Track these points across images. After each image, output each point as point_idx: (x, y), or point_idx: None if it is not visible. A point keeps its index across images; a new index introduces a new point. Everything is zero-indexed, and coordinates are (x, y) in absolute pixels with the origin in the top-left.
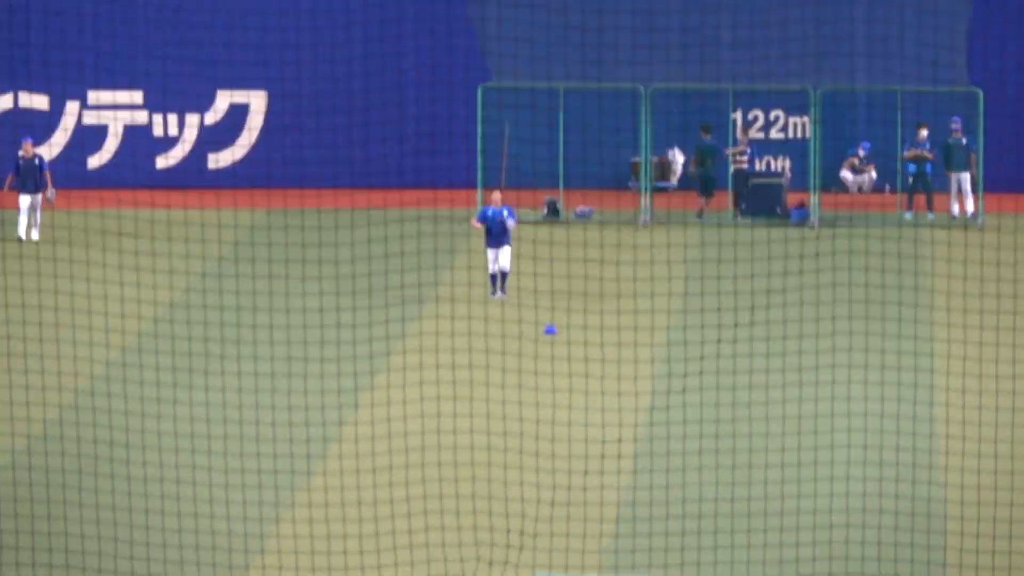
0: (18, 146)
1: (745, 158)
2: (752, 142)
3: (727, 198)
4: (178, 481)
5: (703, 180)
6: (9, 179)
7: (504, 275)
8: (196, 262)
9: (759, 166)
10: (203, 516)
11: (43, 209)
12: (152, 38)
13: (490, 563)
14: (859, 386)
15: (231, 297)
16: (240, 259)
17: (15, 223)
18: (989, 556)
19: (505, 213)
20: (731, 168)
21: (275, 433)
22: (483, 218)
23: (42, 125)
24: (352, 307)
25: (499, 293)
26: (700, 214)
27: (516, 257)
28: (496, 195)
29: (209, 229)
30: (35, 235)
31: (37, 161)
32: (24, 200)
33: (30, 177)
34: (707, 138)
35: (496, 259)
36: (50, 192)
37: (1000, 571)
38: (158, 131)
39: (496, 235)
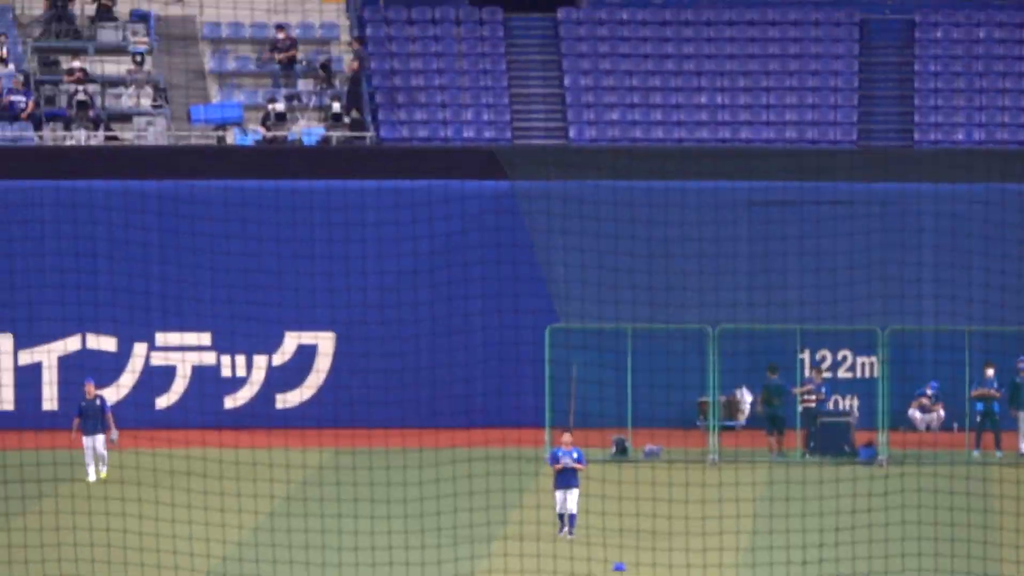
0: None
1: (813, 397)
2: (826, 381)
3: (796, 437)
4: None
5: (771, 419)
6: (75, 423)
7: (572, 518)
8: (264, 501)
9: (829, 404)
10: None
11: (108, 449)
12: (219, 281)
13: None
14: None
15: (299, 536)
16: (308, 499)
17: (84, 464)
18: None
19: (575, 455)
20: (799, 407)
21: None
22: (553, 460)
23: (110, 367)
24: (421, 545)
25: (567, 532)
26: (772, 452)
27: (584, 495)
28: (567, 437)
29: (277, 469)
30: (103, 471)
31: (99, 402)
32: (87, 441)
33: (92, 419)
34: (774, 378)
35: (564, 500)
36: (113, 433)
37: None
38: (226, 372)
39: (565, 477)
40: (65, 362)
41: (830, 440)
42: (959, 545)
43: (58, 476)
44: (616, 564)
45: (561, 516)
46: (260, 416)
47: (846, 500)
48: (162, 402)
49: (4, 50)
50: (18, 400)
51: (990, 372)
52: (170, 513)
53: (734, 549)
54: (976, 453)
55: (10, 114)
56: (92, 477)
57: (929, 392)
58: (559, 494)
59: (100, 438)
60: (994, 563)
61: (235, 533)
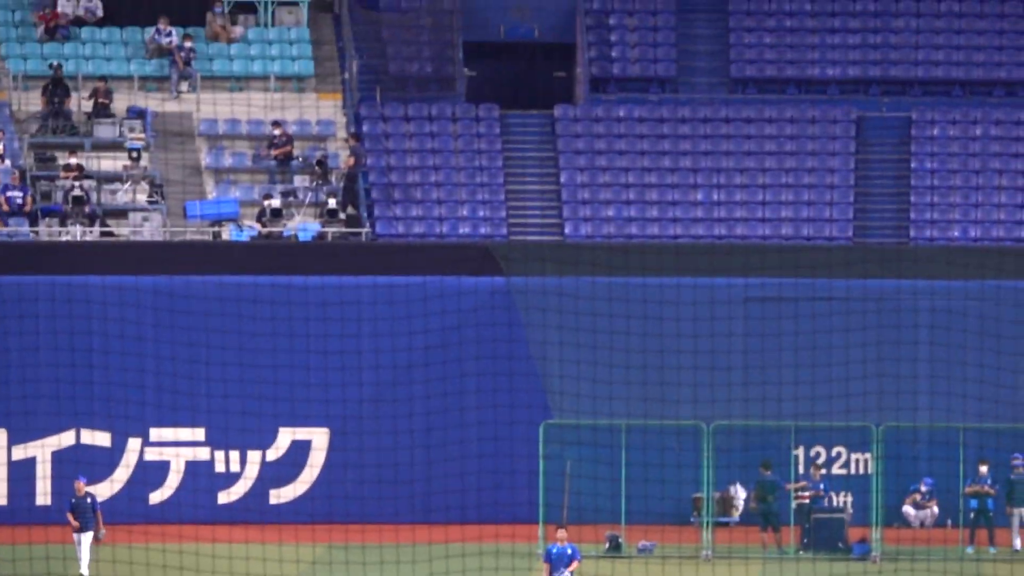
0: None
1: (808, 493)
2: (824, 478)
3: (791, 533)
4: None
5: (765, 515)
6: (71, 518)
7: None
8: None
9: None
10: None
11: (93, 545)
12: (214, 376)
13: None
14: None
15: None
16: None
17: (77, 559)
18: None
19: (569, 551)
20: (793, 503)
21: None
22: (548, 558)
23: (104, 462)
24: None
25: None
26: (765, 548)
27: None
28: (561, 533)
29: (271, 564)
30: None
31: (89, 500)
32: (77, 538)
33: (83, 515)
34: (768, 474)
35: None
36: (101, 532)
37: None
38: (220, 467)
39: (559, 573)
40: (59, 457)
41: (824, 536)
42: None
43: (51, 571)
44: None
45: None
46: (254, 511)
47: None
48: (155, 497)
49: (1, 146)
50: (11, 495)
51: (984, 469)
52: None
53: None
54: (970, 550)
55: (7, 210)
56: (85, 572)
57: (923, 489)
58: None
59: (89, 535)
60: None
61: None
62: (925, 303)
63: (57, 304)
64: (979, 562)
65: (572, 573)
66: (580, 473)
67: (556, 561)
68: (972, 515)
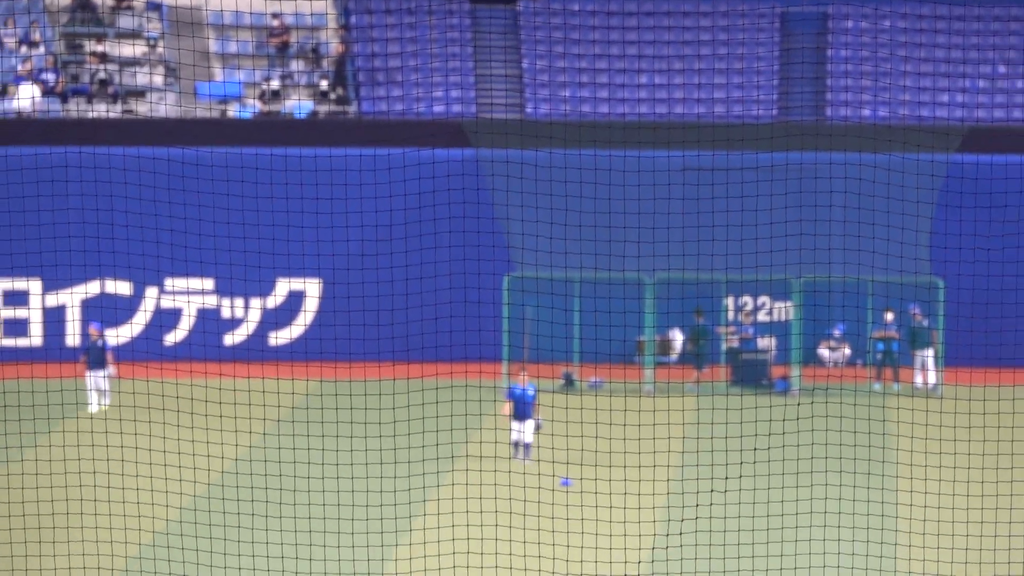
0: (102, 327)
1: (736, 337)
2: (751, 323)
3: (721, 372)
4: None
5: (698, 356)
6: (83, 359)
7: (527, 446)
8: (258, 424)
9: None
10: None
11: (108, 380)
12: (221, 233)
13: None
14: (833, 530)
15: (288, 454)
16: (296, 422)
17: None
18: None
19: (531, 391)
20: (724, 346)
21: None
22: (510, 395)
23: (125, 308)
24: (394, 462)
25: (522, 458)
26: (697, 384)
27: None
28: (523, 375)
29: (269, 396)
30: (106, 404)
31: (101, 343)
32: (89, 377)
33: (96, 357)
34: (700, 320)
35: (521, 430)
36: (111, 369)
37: None
38: (226, 313)
39: (521, 410)
40: (86, 303)
41: (750, 374)
42: (860, 463)
43: (78, 401)
44: (563, 479)
45: (516, 444)
46: (255, 351)
47: (763, 425)
48: (170, 339)
49: (37, 34)
50: (45, 336)
51: (889, 316)
52: (176, 432)
53: (665, 467)
54: (877, 386)
55: (43, 90)
56: (94, 407)
57: (836, 333)
58: (515, 423)
59: (101, 373)
60: (891, 479)
61: (233, 451)
62: (839, 173)
63: (84, 171)
64: (885, 396)
65: (536, 424)
66: (539, 319)
67: (518, 399)
68: (879, 356)
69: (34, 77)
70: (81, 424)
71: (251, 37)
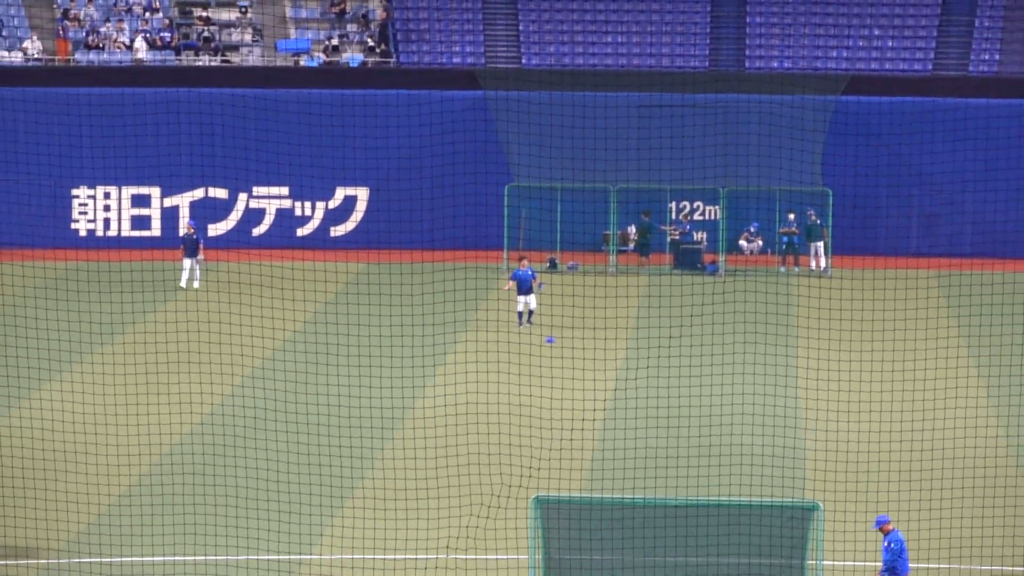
0: (196, 223)
1: (678, 232)
2: (691, 221)
3: (666, 258)
4: (306, 431)
5: (643, 246)
6: (181, 248)
7: (531, 312)
8: (321, 295)
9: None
10: (313, 447)
11: (198, 264)
12: (294, 153)
13: (510, 487)
14: (749, 376)
15: (343, 318)
16: (350, 294)
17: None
18: (832, 482)
19: (530, 272)
20: (668, 239)
21: (364, 409)
22: (515, 277)
23: (222, 208)
24: (423, 324)
25: (526, 324)
26: (643, 267)
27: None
28: (524, 262)
29: (330, 275)
30: (196, 285)
31: (195, 236)
32: (185, 262)
33: (190, 246)
34: (646, 219)
35: (527, 302)
36: (200, 256)
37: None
38: (298, 212)
39: (525, 288)
40: (193, 204)
41: (688, 260)
42: (770, 327)
43: (177, 280)
44: (548, 338)
45: (520, 314)
46: (319, 241)
47: (698, 297)
48: (256, 231)
49: (156, 3)
50: (162, 230)
51: (791, 216)
52: (259, 302)
53: (625, 328)
54: (782, 269)
55: (161, 45)
56: (184, 284)
57: (752, 229)
58: (520, 298)
59: (193, 260)
60: (792, 338)
61: (302, 315)
62: (755, 109)
63: (192, 106)
64: (788, 276)
65: (538, 286)
66: (531, 217)
67: (520, 279)
68: (783, 247)
69: (155, 34)
70: (187, 295)
71: (317, 5)
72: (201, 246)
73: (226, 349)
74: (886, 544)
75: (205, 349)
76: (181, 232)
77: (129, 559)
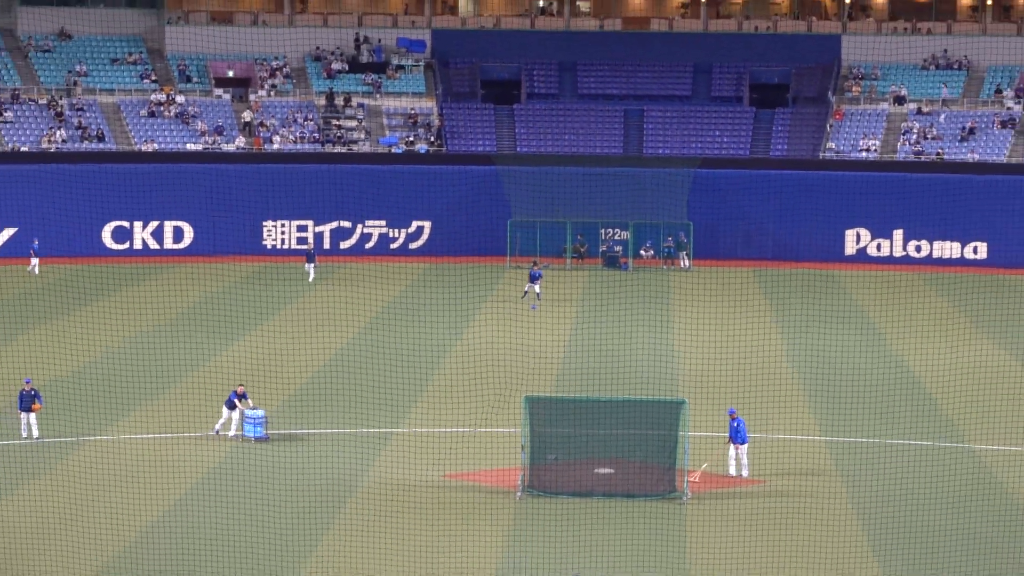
0: (339, 241)
1: (606, 245)
2: (613, 239)
3: (599, 260)
4: (400, 354)
5: (584, 254)
6: (304, 258)
7: (538, 295)
8: (406, 282)
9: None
10: (403, 354)
11: (315, 268)
12: (388, 200)
13: (511, 390)
14: (647, 328)
15: (422, 292)
16: (423, 280)
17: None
18: (695, 387)
19: (539, 272)
20: (601, 248)
21: (428, 345)
22: (532, 274)
23: (348, 232)
24: (457, 301)
25: (535, 303)
26: (583, 265)
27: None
28: (536, 264)
29: (410, 270)
30: (312, 279)
31: (312, 250)
32: (308, 266)
33: (310, 256)
34: (582, 239)
35: (534, 288)
36: (315, 262)
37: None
38: (391, 235)
39: (535, 278)
40: (331, 231)
41: (611, 262)
42: (656, 299)
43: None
44: (532, 306)
45: (526, 293)
46: (403, 251)
47: (616, 284)
48: (367, 245)
49: (311, 116)
50: (313, 244)
51: (670, 237)
52: (372, 285)
53: (576, 300)
54: (664, 268)
55: (312, 140)
56: (311, 280)
57: (647, 244)
58: (529, 285)
59: (311, 264)
60: (672, 309)
61: (398, 289)
62: (650, 176)
63: (333, 175)
64: (668, 272)
65: (540, 287)
66: (523, 237)
67: (533, 275)
68: (665, 254)
69: (309, 135)
70: (314, 285)
71: (401, 118)
72: (315, 256)
73: (353, 309)
74: (735, 425)
75: (341, 305)
76: (305, 246)
77: None
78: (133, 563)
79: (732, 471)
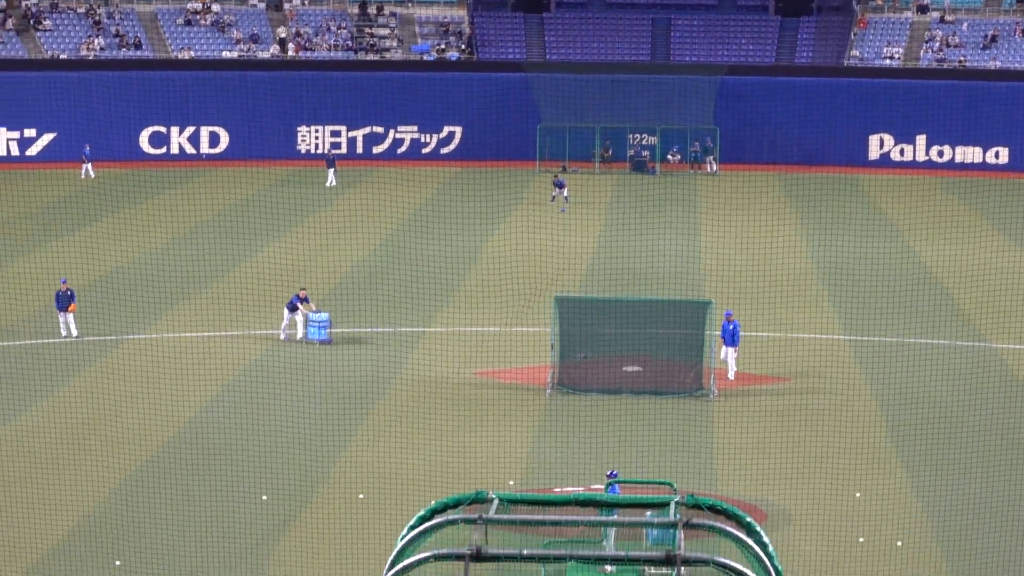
0: (372, 147)
1: (633, 150)
2: (642, 144)
3: (626, 165)
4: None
5: (612, 158)
6: (324, 162)
7: (566, 199)
8: (438, 184)
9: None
10: (440, 227)
11: (337, 174)
12: (420, 107)
13: (542, 289)
14: (673, 229)
15: (456, 190)
16: (457, 182)
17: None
18: (718, 288)
19: (564, 180)
20: (628, 153)
21: (465, 232)
22: (555, 182)
23: (381, 137)
24: (495, 197)
25: (564, 206)
26: (611, 169)
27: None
28: (562, 171)
29: (443, 173)
30: (334, 184)
31: (333, 156)
32: (329, 172)
33: (330, 162)
34: (608, 143)
35: (563, 193)
36: (336, 168)
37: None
38: (423, 140)
39: (560, 185)
40: (364, 136)
41: (639, 166)
42: (685, 202)
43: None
44: (562, 208)
45: (554, 198)
46: (431, 156)
47: (643, 188)
48: (399, 151)
49: (344, 24)
50: (347, 150)
51: (696, 142)
52: (406, 188)
53: (605, 203)
54: (691, 172)
55: (346, 48)
56: (330, 183)
57: (674, 149)
58: (557, 190)
59: (333, 169)
60: (699, 213)
61: (433, 190)
62: (677, 84)
63: (365, 81)
64: (695, 176)
65: (567, 192)
66: (552, 142)
67: (559, 185)
68: (692, 158)
69: (342, 42)
70: (335, 189)
71: (432, 26)
72: (335, 161)
73: (385, 213)
74: (730, 328)
75: (373, 208)
76: (326, 151)
77: None
78: (176, 456)
79: (731, 375)
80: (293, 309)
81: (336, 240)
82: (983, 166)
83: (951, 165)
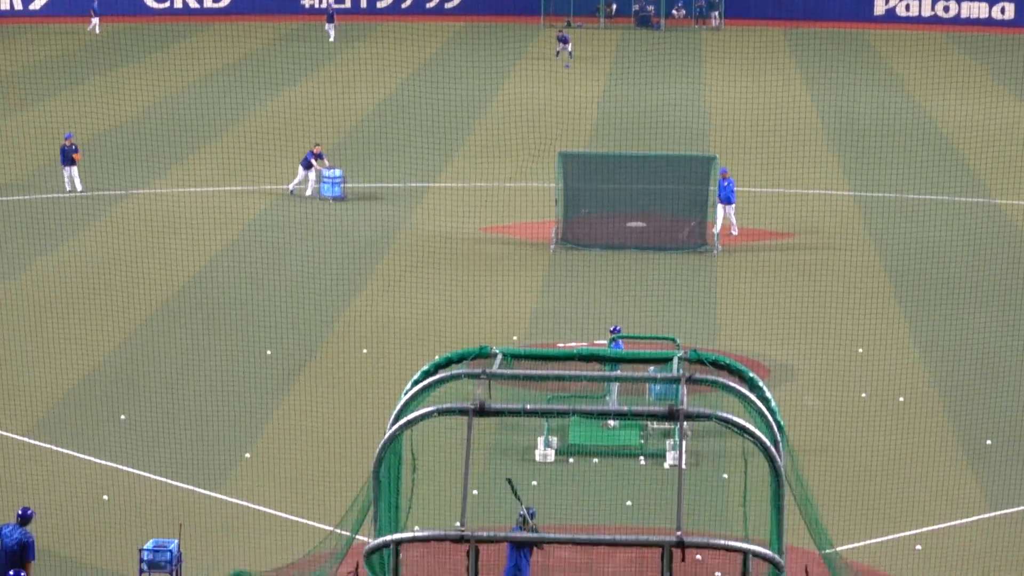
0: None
1: (639, 4)
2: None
3: (631, 20)
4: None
5: (616, 13)
6: (325, 17)
7: (570, 54)
8: (440, 40)
9: None
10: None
11: (336, 29)
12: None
13: (547, 142)
14: (679, 83)
15: (464, 41)
16: (461, 34)
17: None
18: (725, 143)
19: (567, 35)
20: (633, 9)
21: (472, 80)
22: (559, 37)
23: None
24: (500, 47)
25: (568, 63)
26: (614, 25)
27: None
28: (566, 27)
29: (446, 30)
30: (332, 39)
31: (332, 9)
32: (328, 26)
33: (330, 16)
34: None
35: (567, 48)
36: (335, 23)
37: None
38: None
39: (564, 40)
40: None
41: (642, 21)
42: (689, 56)
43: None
44: (566, 64)
45: (559, 52)
46: (439, 10)
47: (649, 41)
48: (403, 5)
49: None
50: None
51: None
52: (414, 45)
53: (609, 56)
54: (695, 26)
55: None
56: (332, 40)
57: (680, 3)
58: (559, 47)
59: (332, 25)
60: (702, 61)
61: (441, 41)
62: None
63: None
64: (699, 32)
65: (571, 46)
66: (558, 3)
67: (563, 40)
68: (696, 12)
69: None
70: (336, 44)
71: None
72: (335, 16)
73: (389, 67)
74: (724, 185)
75: (376, 63)
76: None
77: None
78: (180, 311)
79: (734, 231)
80: (308, 166)
81: (340, 95)
82: (989, 21)
83: (957, 20)
